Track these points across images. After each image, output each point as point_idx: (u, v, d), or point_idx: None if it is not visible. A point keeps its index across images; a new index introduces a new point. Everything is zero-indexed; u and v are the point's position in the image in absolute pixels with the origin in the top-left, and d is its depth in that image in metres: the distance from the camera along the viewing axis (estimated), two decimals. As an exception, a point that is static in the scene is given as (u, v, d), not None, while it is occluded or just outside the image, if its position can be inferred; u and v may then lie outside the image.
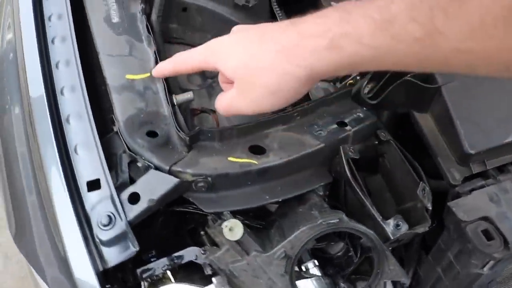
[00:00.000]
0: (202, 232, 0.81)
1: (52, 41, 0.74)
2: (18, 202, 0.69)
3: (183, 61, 0.64)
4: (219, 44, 0.59)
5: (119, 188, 0.66)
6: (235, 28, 0.62)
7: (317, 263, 0.74)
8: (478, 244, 0.69)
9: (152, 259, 0.70)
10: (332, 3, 1.12)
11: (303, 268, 0.74)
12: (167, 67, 0.67)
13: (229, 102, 0.59)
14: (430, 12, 0.41)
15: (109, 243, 0.62)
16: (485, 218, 0.71)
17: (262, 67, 0.52)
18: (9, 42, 0.81)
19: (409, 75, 0.79)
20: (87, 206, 0.64)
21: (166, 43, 0.83)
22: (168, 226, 0.82)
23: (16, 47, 0.77)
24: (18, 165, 0.69)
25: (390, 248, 0.74)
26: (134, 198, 0.64)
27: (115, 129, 0.71)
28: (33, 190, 0.65)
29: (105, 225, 0.63)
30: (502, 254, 0.69)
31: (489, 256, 0.69)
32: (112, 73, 0.73)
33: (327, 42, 0.47)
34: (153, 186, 0.65)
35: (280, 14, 1.05)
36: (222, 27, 0.88)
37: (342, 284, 0.78)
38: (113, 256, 0.62)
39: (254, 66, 0.53)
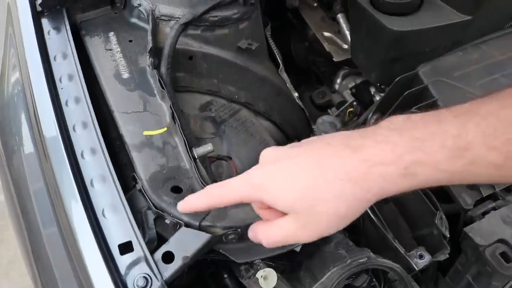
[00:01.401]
0: (225, 276, 0.82)
1: (66, 104, 0.74)
2: (48, 274, 0.69)
3: (220, 195, 0.56)
4: (263, 177, 0.52)
5: (149, 245, 0.67)
6: (272, 155, 0.54)
7: (343, 299, 0.76)
8: (498, 268, 0.72)
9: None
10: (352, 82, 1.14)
11: (331, 304, 0.76)
12: (200, 202, 0.58)
13: (284, 235, 0.52)
14: (508, 141, 0.42)
15: (148, 304, 0.63)
16: (502, 241, 0.74)
17: (327, 197, 0.48)
18: (17, 100, 0.81)
19: (415, 107, 0.82)
20: (122, 270, 0.64)
21: (175, 92, 0.84)
22: (192, 272, 0.83)
23: (28, 106, 0.77)
24: (46, 235, 0.69)
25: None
26: (168, 258, 0.65)
27: (137, 186, 0.72)
28: (65, 259, 0.65)
29: (142, 287, 0.63)
30: (522, 274, 0.72)
31: (509, 278, 0.73)
32: (129, 130, 0.74)
33: (401, 170, 0.46)
34: (185, 243, 0.66)
35: (276, 51, 1.08)
36: (227, 71, 0.91)
37: (367, 315, 0.80)
38: (153, 317, 0.62)
39: (316, 197, 0.48)
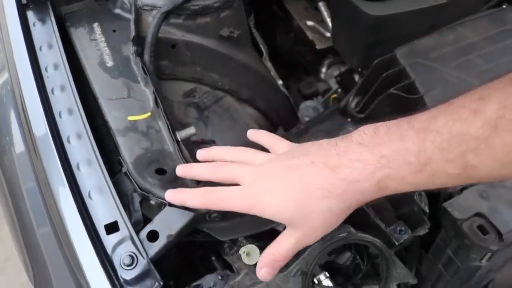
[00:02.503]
0: (213, 258, 0.84)
1: (52, 91, 0.76)
2: (35, 252, 0.71)
3: (216, 202, 0.62)
4: (260, 195, 0.60)
5: (135, 227, 0.69)
6: (266, 170, 0.62)
7: (328, 275, 0.78)
8: (475, 239, 0.74)
9: (171, 290, 0.73)
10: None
11: (316, 281, 0.77)
12: (193, 201, 0.63)
13: (291, 245, 0.62)
14: (461, 153, 0.48)
15: (134, 282, 0.65)
16: (479, 214, 0.76)
17: (318, 212, 0.57)
18: (5, 94, 0.83)
19: (393, 88, 0.85)
20: (108, 249, 0.66)
21: (159, 80, 0.86)
22: (180, 256, 0.84)
23: (15, 99, 0.79)
24: (32, 216, 0.71)
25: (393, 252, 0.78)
26: (153, 236, 0.67)
27: (123, 170, 0.74)
28: (53, 240, 0.67)
29: (128, 265, 0.65)
30: (498, 245, 0.74)
31: (486, 249, 0.75)
32: (114, 116, 0.76)
33: (373, 184, 0.53)
34: (169, 222, 0.68)
35: (260, 39, 1.10)
36: (210, 59, 0.93)
37: (352, 292, 0.82)
38: (139, 293, 0.64)
39: (309, 212, 0.57)
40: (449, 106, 0.50)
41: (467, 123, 0.47)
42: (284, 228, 0.64)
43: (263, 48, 1.07)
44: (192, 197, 0.63)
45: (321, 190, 0.56)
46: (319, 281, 0.77)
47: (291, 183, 0.58)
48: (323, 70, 1.27)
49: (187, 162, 0.73)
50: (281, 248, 0.62)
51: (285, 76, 1.21)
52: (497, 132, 0.46)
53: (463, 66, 0.84)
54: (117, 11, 0.89)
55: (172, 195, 0.65)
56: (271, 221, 0.74)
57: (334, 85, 1.21)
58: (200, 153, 0.72)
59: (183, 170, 0.69)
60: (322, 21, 1.16)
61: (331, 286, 0.77)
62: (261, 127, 1.00)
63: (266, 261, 0.63)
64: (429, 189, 0.55)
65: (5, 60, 0.82)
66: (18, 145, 0.76)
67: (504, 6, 0.98)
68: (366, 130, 0.55)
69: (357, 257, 0.82)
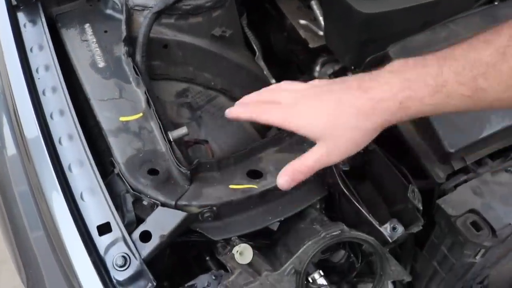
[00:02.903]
0: (207, 258, 0.84)
1: (43, 93, 0.76)
2: (28, 255, 0.71)
3: (262, 112, 0.68)
4: (299, 110, 0.65)
5: (128, 228, 0.69)
6: (305, 91, 0.68)
7: (322, 273, 0.77)
8: (469, 236, 0.74)
9: (166, 292, 0.73)
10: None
11: (310, 280, 0.77)
12: (243, 113, 0.70)
13: (316, 159, 0.64)
14: (473, 77, 0.54)
15: (127, 282, 0.65)
16: (472, 211, 0.76)
17: (347, 126, 0.62)
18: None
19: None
20: (101, 250, 0.66)
21: (151, 80, 0.85)
22: (174, 256, 0.84)
23: (6, 100, 0.78)
24: (24, 218, 0.71)
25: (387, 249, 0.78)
26: (146, 236, 0.67)
27: (115, 171, 0.74)
28: (45, 241, 0.67)
29: (121, 266, 0.65)
30: (491, 242, 0.74)
31: (479, 246, 0.75)
32: (106, 117, 0.76)
33: (397, 104, 0.59)
34: (162, 222, 0.68)
35: (253, 39, 1.10)
36: (203, 58, 0.92)
37: (347, 291, 0.82)
38: (133, 295, 0.64)
39: (338, 126, 0.62)
40: (467, 40, 0.57)
41: (479, 51, 0.54)
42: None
43: (256, 47, 1.06)
44: (241, 109, 0.71)
45: (352, 108, 0.61)
46: (314, 280, 0.77)
47: (327, 101, 0.64)
48: (317, 68, 1.27)
49: (180, 162, 0.73)
50: (307, 160, 0.65)
51: (279, 75, 1.21)
52: (505, 59, 0.52)
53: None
54: (109, 11, 0.89)
55: (229, 111, 0.71)
56: (263, 220, 0.75)
57: (328, 84, 1.21)
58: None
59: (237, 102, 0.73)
60: (314, 20, 1.15)
61: (325, 285, 0.77)
62: (254, 126, 0.99)
63: (290, 170, 0.65)
64: (444, 112, 0.60)
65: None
66: (10, 148, 0.75)
67: (496, 3, 0.98)
68: (397, 61, 0.61)
69: (351, 255, 0.82)
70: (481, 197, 0.78)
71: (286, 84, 0.72)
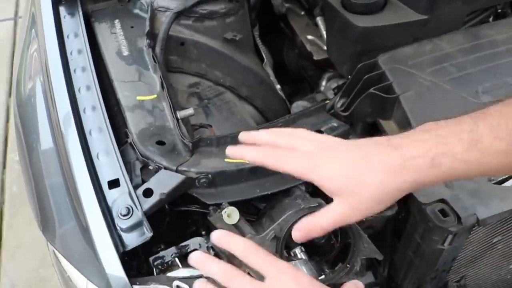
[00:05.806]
0: (203, 233, 0.93)
1: (75, 71, 0.90)
2: (44, 202, 0.82)
3: (278, 158, 0.64)
4: (322, 160, 0.62)
5: (135, 187, 0.80)
6: (327, 142, 0.66)
7: (303, 249, 0.86)
8: (437, 221, 0.82)
9: (161, 251, 0.83)
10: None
11: (292, 254, 0.86)
12: (255, 157, 0.67)
13: (335, 220, 0.62)
14: (508, 130, 0.54)
15: (128, 230, 0.75)
16: (441, 200, 0.84)
17: (372, 183, 0.58)
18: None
19: (372, 88, 0.95)
20: (109, 201, 0.77)
21: (168, 72, 0.98)
22: (174, 228, 0.94)
23: (43, 73, 0.92)
24: (43, 168, 0.83)
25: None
26: (148, 193, 0.78)
27: (129, 140, 0.85)
28: (63, 189, 0.79)
29: (124, 215, 0.75)
30: (457, 228, 0.81)
31: (446, 231, 0.82)
32: (125, 95, 0.88)
33: (429, 161, 0.57)
34: (163, 182, 0.78)
35: (263, 48, 1.23)
36: (215, 58, 1.05)
37: (326, 270, 0.90)
38: (132, 240, 0.74)
39: (362, 183, 0.59)
40: (502, 101, 0.57)
41: None
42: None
43: (264, 55, 1.19)
44: (254, 152, 0.66)
45: (381, 164, 0.58)
46: (295, 254, 0.86)
47: (353, 155, 0.60)
48: (323, 83, 1.38)
49: (184, 137, 0.84)
50: (322, 220, 0.62)
51: (292, 93, 1.32)
52: None
53: (437, 73, 0.94)
54: (136, 11, 1.04)
55: (233, 150, 0.68)
56: (252, 192, 0.84)
57: (331, 96, 1.32)
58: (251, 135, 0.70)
59: (247, 135, 0.70)
60: (321, 36, 1.27)
61: (305, 259, 0.85)
62: (257, 124, 1.10)
63: (305, 226, 0.64)
64: (478, 174, 0.58)
65: (38, 45, 0.96)
66: (41, 111, 0.88)
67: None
68: (428, 123, 0.60)
69: (332, 237, 0.91)
70: (451, 190, 0.85)
71: (304, 132, 0.69)
